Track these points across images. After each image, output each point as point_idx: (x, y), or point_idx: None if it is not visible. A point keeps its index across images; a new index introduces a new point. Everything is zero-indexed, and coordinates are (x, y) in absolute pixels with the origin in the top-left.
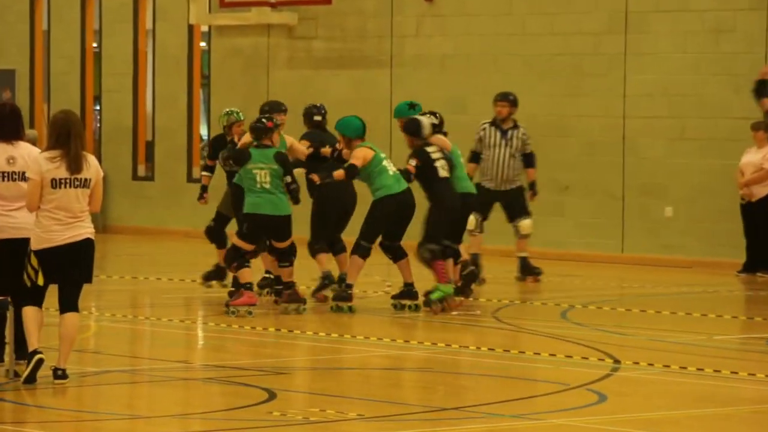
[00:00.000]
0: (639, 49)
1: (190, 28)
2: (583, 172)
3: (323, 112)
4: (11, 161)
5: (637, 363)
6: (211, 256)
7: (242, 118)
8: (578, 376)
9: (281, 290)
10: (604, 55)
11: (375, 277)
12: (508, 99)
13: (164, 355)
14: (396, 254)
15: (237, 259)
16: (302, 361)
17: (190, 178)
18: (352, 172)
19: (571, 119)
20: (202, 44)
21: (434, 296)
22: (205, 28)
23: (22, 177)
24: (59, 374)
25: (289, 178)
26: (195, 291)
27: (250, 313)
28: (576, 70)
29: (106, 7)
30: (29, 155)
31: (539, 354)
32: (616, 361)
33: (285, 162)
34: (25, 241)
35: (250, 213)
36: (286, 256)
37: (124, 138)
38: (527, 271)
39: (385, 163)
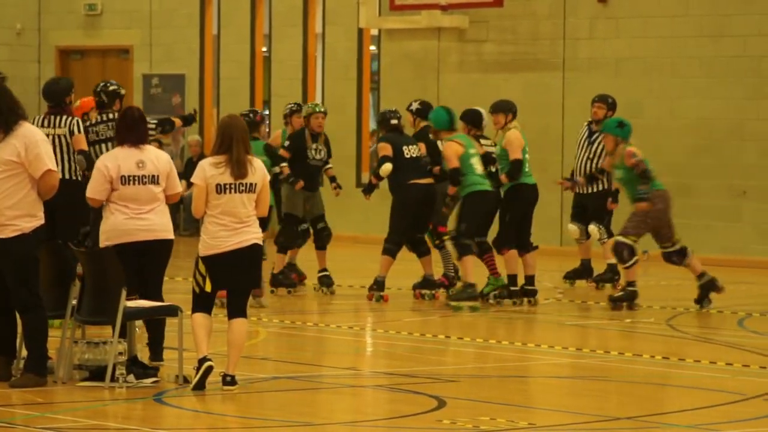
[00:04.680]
0: None
1: (360, 32)
2: (762, 177)
3: (399, 116)
4: (140, 165)
5: None
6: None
7: (321, 110)
8: (756, 386)
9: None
10: None
11: (545, 283)
12: (606, 101)
13: (332, 362)
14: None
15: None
16: (471, 369)
17: (359, 183)
18: (455, 176)
19: (749, 123)
20: (372, 48)
21: (486, 289)
22: (375, 32)
23: (153, 180)
24: (228, 380)
25: (277, 169)
26: (363, 297)
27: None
28: (755, 72)
29: (275, 11)
30: (158, 158)
31: (715, 363)
32: None
33: (274, 153)
34: (157, 243)
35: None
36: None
37: None
38: (586, 274)
39: (473, 160)
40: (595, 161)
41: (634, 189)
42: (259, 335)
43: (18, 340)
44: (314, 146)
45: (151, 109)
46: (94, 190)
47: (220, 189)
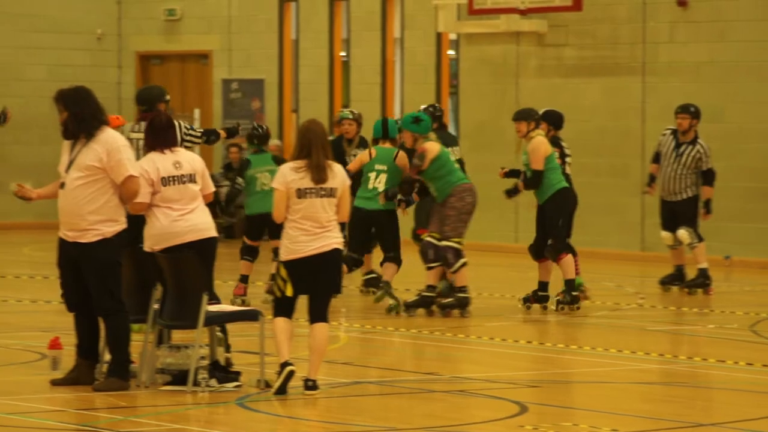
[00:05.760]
0: None
1: (439, 36)
2: None
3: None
4: (177, 165)
5: None
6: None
7: (347, 116)
8: None
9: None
10: None
11: (627, 288)
12: (688, 110)
13: (413, 367)
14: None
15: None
16: (552, 374)
17: None
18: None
19: None
20: (451, 52)
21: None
22: (453, 36)
23: (191, 179)
24: (310, 385)
25: None
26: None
27: None
28: None
29: (354, 16)
30: (192, 158)
31: None
32: None
33: (281, 162)
34: (203, 242)
35: (251, 214)
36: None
37: None
38: (678, 279)
39: (371, 174)
40: (682, 173)
41: (440, 187)
42: (340, 340)
43: (101, 345)
44: (353, 152)
45: (231, 114)
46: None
47: (301, 194)
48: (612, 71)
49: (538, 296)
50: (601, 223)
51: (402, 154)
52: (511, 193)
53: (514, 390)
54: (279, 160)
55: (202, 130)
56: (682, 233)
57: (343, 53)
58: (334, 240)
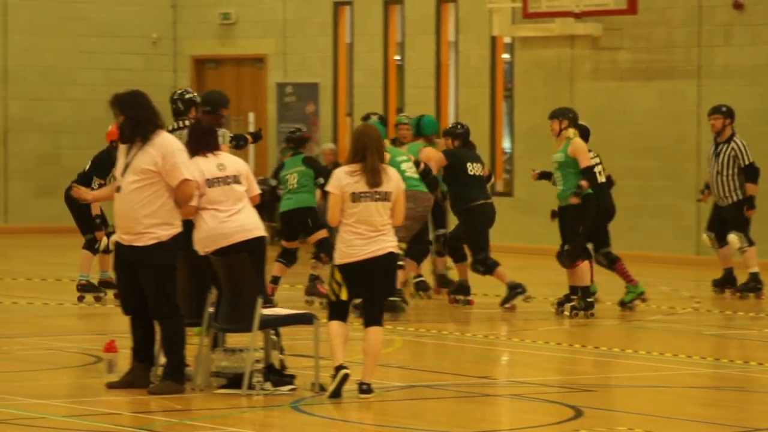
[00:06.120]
0: None
1: (493, 40)
2: None
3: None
4: (221, 167)
5: None
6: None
7: (403, 121)
8: None
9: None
10: None
11: (683, 292)
12: (720, 111)
13: (468, 371)
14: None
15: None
16: (607, 378)
17: (493, 192)
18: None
19: None
20: (505, 56)
21: (627, 298)
22: (508, 40)
23: (235, 180)
24: (364, 388)
25: (321, 180)
26: (495, 306)
27: None
28: None
29: (408, 19)
30: (235, 160)
31: None
32: None
33: (313, 164)
34: (252, 242)
35: (282, 211)
36: None
37: None
38: (728, 283)
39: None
40: (723, 174)
41: None
42: (394, 344)
43: (156, 348)
44: None
45: (285, 118)
46: None
47: (356, 197)
48: (667, 75)
49: (570, 300)
50: (656, 226)
51: (427, 149)
52: (578, 195)
53: (568, 394)
54: (309, 161)
55: (232, 135)
56: (732, 237)
57: (397, 57)
58: (389, 244)
